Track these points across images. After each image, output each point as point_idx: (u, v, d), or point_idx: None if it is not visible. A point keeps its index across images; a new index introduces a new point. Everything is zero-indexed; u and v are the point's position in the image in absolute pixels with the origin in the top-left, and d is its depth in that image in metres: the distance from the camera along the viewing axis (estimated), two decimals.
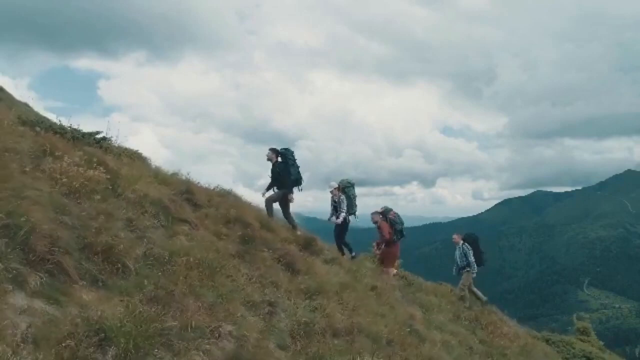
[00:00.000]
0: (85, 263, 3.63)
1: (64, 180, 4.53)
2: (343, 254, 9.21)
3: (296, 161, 8.80)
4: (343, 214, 9.24)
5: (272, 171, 8.77)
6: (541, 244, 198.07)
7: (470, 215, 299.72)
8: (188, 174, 8.15)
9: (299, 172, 8.76)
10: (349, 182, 9.60)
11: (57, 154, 5.69)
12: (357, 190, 9.81)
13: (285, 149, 8.90)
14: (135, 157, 7.78)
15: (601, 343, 13.07)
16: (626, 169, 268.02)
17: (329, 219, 9.60)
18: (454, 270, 11.09)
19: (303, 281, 5.66)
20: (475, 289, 11.06)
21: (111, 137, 8.08)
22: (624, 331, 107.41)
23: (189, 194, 6.57)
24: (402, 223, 10.22)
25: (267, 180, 8.97)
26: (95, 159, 5.85)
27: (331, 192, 9.46)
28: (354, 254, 9.59)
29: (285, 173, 8.51)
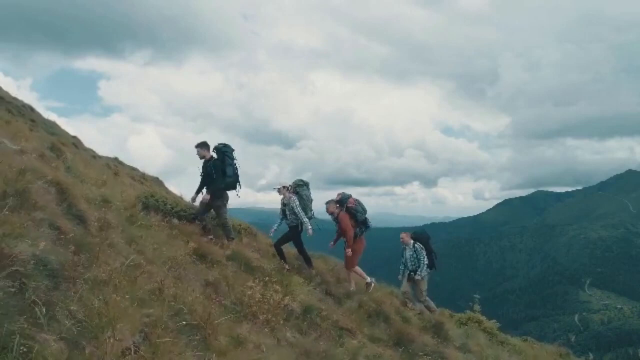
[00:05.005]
0: None
1: (260, 315, 4.25)
2: (285, 260, 7.73)
3: (235, 160, 7.52)
4: (305, 219, 7.64)
5: (204, 169, 7.42)
6: (542, 244, 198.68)
7: (471, 215, 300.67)
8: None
9: (236, 172, 7.44)
10: (302, 181, 8.14)
11: (207, 255, 5.45)
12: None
13: (223, 144, 7.56)
14: (250, 232, 7.56)
15: None
16: (627, 169, 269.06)
17: (275, 227, 8.05)
18: (400, 274, 9.55)
19: None
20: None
21: None
22: (626, 332, 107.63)
23: (324, 284, 6.34)
24: (364, 211, 8.54)
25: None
26: (241, 255, 5.59)
27: (278, 191, 8.01)
28: (314, 270, 7.86)
29: (218, 173, 7.23)
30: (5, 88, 27.44)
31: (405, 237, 9.48)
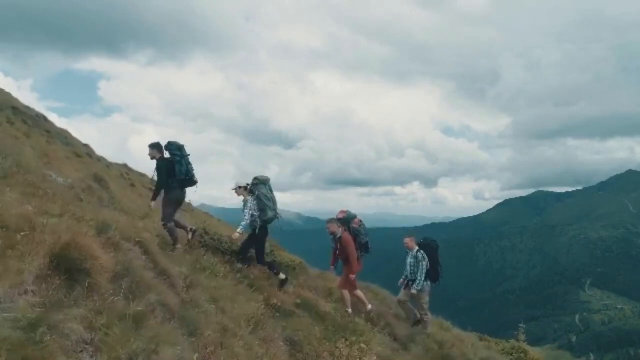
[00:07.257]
0: None
1: None
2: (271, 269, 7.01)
3: (187, 157, 7.07)
4: (244, 222, 6.94)
5: (156, 171, 7.04)
6: (542, 244, 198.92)
7: (471, 215, 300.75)
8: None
9: (188, 169, 6.99)
10: (258, 179, 7.36)
11: (280, 306, 5.38)
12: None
13: (170, 142, 7.14)
14: (302, 267, 7.50)
15: None
16: (627, 169, 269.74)
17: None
18: (401, 280, 8.62)
19: None
20: (411, 306, 8.63)
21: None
22: (626, 332, 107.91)
23: (388, 327, 6.28)
24: (366, 234, 8.09)
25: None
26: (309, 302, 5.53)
27: (235, 192, 7.36)
28: (283, 276, 7.07)
29: (163, 172, 6.88)
30: (6, 89, 27.25)
31: (409, 242, 8.56)
